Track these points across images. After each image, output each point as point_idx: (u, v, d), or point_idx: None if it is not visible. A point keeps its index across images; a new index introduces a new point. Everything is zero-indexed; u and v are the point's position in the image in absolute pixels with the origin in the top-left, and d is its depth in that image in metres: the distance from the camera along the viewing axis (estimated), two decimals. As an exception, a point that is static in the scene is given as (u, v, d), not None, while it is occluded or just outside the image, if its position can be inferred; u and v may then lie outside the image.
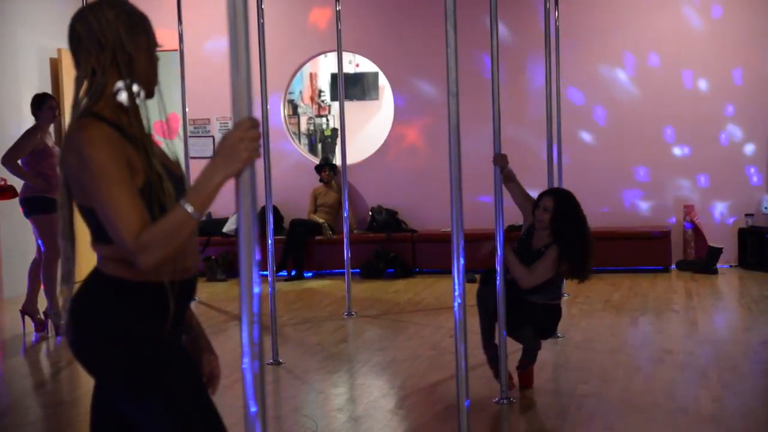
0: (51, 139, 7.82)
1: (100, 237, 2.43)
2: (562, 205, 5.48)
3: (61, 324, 7.62)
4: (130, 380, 2.41)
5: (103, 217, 2.31)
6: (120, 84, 2.42)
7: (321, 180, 11.11)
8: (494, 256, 5.34)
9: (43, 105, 7.71)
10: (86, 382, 6.11)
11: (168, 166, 2.50)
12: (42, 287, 7.69)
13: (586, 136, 10.59)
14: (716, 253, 9.87)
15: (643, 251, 10.13)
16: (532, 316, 5.47)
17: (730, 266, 10.18)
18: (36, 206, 7.55)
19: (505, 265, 5.35)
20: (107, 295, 2.43)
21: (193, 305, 8.25)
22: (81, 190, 2.39)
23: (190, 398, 2.46)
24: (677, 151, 10.45)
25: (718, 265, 9.94)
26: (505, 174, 5.46)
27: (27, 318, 7.76)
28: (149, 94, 2.49)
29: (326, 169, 11.07)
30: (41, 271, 7.65)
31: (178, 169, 2.56)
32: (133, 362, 2.41)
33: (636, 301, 8.42)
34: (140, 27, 2.44)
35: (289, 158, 11.32)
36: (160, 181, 2.40)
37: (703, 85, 10.34)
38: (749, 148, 10.28)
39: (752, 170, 10.29)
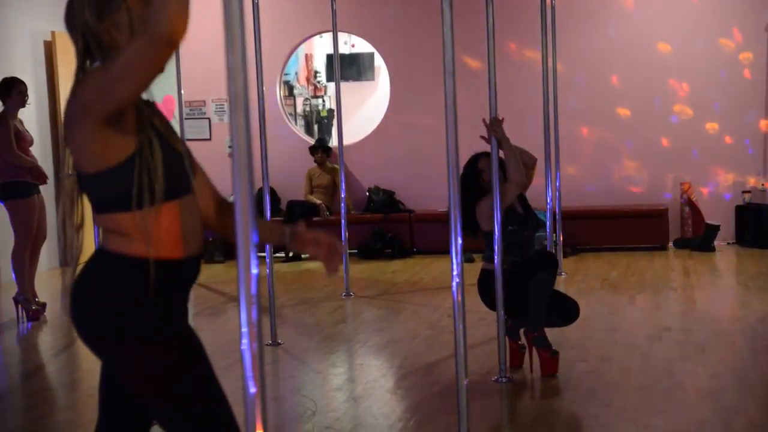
0: (21, 125, 7.71)
1: (102, 207, 2.43)
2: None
3: (31, 309, 7.62)
4: (137, 360, 2.41)
5: (119, 70, 2.25)
6: (96, 63, 2.42)
7: (315, 161, 11.10)
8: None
9: (12, 89, 7.57)
10: (86, 364, 6.12)
11: (168, 139, 2.48)
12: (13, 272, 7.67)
13: (578, 112, 10.57)
14: (713, 230, 9.89)
15: (640, 229, 10.14)
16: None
17: (728, 243, 10.20)
18: (10, 191, 7.49)
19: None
20: (112, 272, 2.43)
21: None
22: (76, 151, 2.39)
23: (196, 377, 2.47)
24: (671, 128, 10.45)
25: (716, 243, 9.96)
26: (499, 139, 5.31)
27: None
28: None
29: (319, 150, 11.06)
30: (12, 257, 7.62)
31: (181, 146, 2.55)
32: (140, 341, 2.41)
33: (633, 280, 8.43)
34: (116, 3, 2.42)
35: (286, 140, 11.30)
36: (150, 147, 2.39)
37: (693, 56, 10.32)
38: (746, 123, 10.27)
39: (748, 143, 10.28)
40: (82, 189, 2.48)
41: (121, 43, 2.41)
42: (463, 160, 4.67)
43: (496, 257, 5.25)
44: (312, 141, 11.61)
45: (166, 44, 2.19)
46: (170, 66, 9.40)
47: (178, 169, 2.45)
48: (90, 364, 6.43)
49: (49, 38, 10.46)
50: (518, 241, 5.48)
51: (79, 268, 2.50)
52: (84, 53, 2.44)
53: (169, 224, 2.43)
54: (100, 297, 2.42)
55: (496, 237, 5.21)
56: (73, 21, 2.44)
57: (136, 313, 2.41)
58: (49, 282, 9.53)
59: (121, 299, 2.41)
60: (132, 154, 2.37)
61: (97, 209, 2.46)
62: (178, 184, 2.45)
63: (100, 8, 2.41)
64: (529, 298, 5.32)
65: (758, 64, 10.19)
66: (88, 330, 2.46)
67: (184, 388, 2.44)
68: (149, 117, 2.46)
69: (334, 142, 11.63)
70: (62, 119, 2.41)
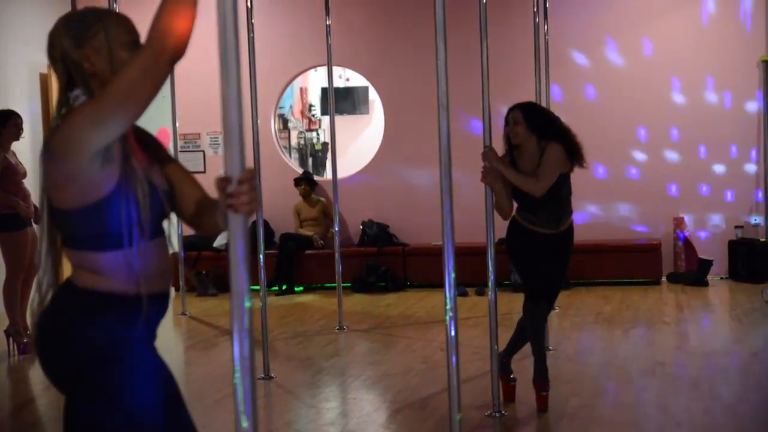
0: (15, 157, 7.71)
1: (71, 242, 2.40)
2: (529, 110, 5.46)
3: (23, 342, 7.58)
4: (93, 395, 2.38)
5: (106, 98, 2.24)
6: (77, 91, 2.42)
7: (300, 194, 11.10)
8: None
9: (8, 122, 7.58)
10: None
11: (150, 178, 2.45)
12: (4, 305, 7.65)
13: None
14: (707, 265, 9.90)
15: (633, 264, 10.15)
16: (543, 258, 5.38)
17: (721, 278, 10.21)
18: (3, 224, 7.45)
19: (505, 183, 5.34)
20: (78, 307, 2.39)
21: (184, 320, 8.22)
22: (56, 187, 2.36)
23: (152, 417, 2.42)
24: (666, 162, 10.49)
25: (709, 277, 9.97)
26: (493, 169, 5.30)
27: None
28: None
29: (303, 182, 11.07)
30: (3, 289, 7.60)
31: (164, 184, 2.51)
32: (101, 377, 2.37)
33: (627, 314, 8.43)
34: (93, 29, 2.41)
35: (280, 173, 11.31)
36: (134, 177, 2.37)
37: (686, 93, 10.38)
38: (738, 158, 10.32)
39: (742, 180, 10.32)
40: (55, 224, 2.43)
41: (101, 69, 2.40)
42: (457, 193, 4.66)
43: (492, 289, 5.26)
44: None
45: (170, 60, 2.20)
46: (165, 99, 9.46)
47: (155, 211, 2.43)
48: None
49: (45, 70, 10.50)
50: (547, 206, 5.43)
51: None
52: (66, 85, 2.43)
53: (147, 261, 2.40)
54: (67, 334, 2.38)
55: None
56: (53, 53, 2.44)
57: (101, 348, 2.37)
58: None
59: (87, 334, 2.37)
60: (111, 192, 2.34)
61: (69, 245, 2.42)
62: (154, 225, 2.44)
63: (77, 36, 2.41)
64: (531, 338, 5.44)
65: (749, 100, 10.25)
66: (51, 364, 2.43)
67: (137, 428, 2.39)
68: (129, 144, 2.43)
69: (328, 175, 11.67)
70: (40, 155, 2.37)
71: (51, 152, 2.32)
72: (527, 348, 5.65)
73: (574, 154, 5.38)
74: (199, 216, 2.56)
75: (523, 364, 6.42)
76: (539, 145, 5.36)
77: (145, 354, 2.46)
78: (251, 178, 2.01)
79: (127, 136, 2.42)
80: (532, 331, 5.44)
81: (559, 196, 5.37)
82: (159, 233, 2.48)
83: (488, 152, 5.28)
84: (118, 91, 2.22)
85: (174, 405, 2.51)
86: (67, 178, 2.32)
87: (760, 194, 10.25)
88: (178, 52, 2.21)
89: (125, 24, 2.46)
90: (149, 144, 2.56)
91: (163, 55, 2.19)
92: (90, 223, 2.35)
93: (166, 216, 2.52)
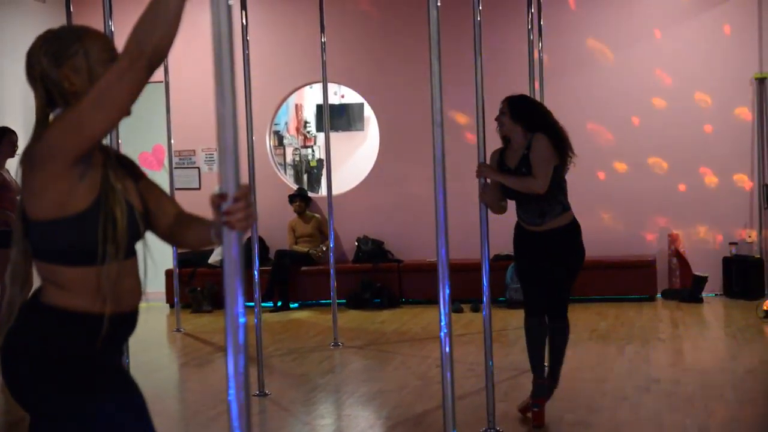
0: (9, 174, 7.70)
1: (42, 255, 2.38)
2: (516, 101, 5.47)
3: None
4: (55, 416, 2.36)
5: (91, 101, 2.24)
6: (57, 110, 2.42)
7: (294, 211, 11.11)
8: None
9: (3, 139, 7.58)
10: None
11: (129, 198, 2.44)
12: None
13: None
14: (701, 281, 9.91)
15: (628, 280, 10.16)
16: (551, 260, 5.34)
17: (715, 295, 10.22)
18: None
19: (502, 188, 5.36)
20: (41, 325, 2.37)
21: (178, 337, 8.20)
22: (33, 196, 2.34)
23: None
24: (660, 178, 10.51)
25: (704, 294, 9.97)
26: (494, 179, 5.35)
27: None
28: None
29: (297, 199, 11.08)
30: None
31: (139, 205, 2.50)
32: (64, 397, 2.35)
33: (622, 330, 8.43)
34: (72, 48, 2.41)
35: (275, 189, 11.32)
36: (113, 194, 2.36)
37: (678, 105, 10.42)
38: (733, 175, 10.35)
39: (736, 197, 10.34)
40: (27, 235, 2.41)
41: (81, 87, 2.39)
42: (451, 210, 4.67)
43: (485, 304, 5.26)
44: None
45: (147, 66, 2.20)
46: (160, 115, 9.46)
47: (130, 231, 2.42)
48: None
49: (40, 87, 10.50)
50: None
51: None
52: (45, 104, 2.42)
53: (117, 281, 2.38)
54: (32, 353, 2.36)
55: None
56: (32, 72, 2.44)
57: (64, 366, 2.35)
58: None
59: (54, 356, 2.35)
60: (89, 207, 2.33)
61: (40, 257, 2.40)
62: (128, 246, 2.43)
63: (57, 55, 2.41)
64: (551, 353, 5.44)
65: (742, 117, 10.29)
66: (17, 387, 2.40)
67: None
68: (110, 162, 2.43)
69: (323, 191, 11.67)
70: (19, 163, 2.37)
71: (31, 159, 2.32)
72: (524, 364, 5.65)
73: (559, 145, 5.32)
74: (179, 232, 2.54)
75: (519, 380, 6.42)
76: (525, 137, 5.38)
77: (108, 373, 2.44)
78: (247, 194, 2.00)
79: (109, 154, 2.43)
80: (527, 345, 5.46)
81: None
82: (132, 254, 2.47)
83: (482, 168, 5.30)
84: (96, 96, 2.22)
85: (139, 423, 2.47)
86: (44, 187, 2.30)
87: (755, 211, 10.28)
88: (155, 58, 2.20)
89: (104, 41, 2.46)
90: (126, 164, 2.56)
91: (140, 61, 2.19)
92: (64, 237, 2.33)
93: (141, 237, 2.51)
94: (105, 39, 2.48)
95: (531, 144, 5.32)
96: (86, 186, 2.33)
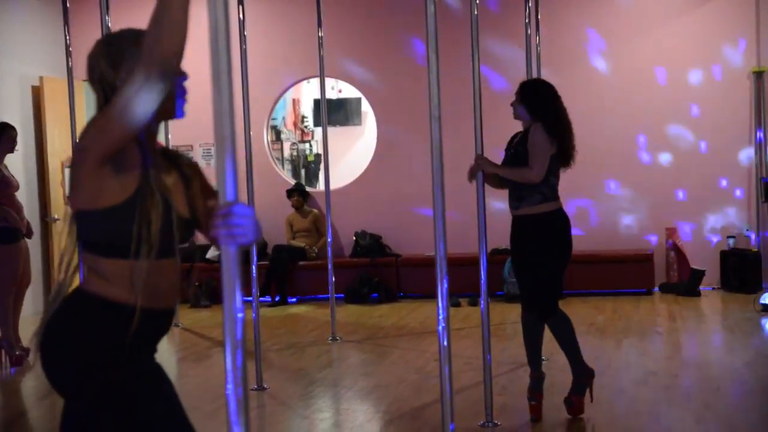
0: (7, 170, 7.68)
1: (86, 245, 2.48)
2: (525, 84, 5.48)
3: (14, 354, 7.56)
4: (88, 399, 2.44)
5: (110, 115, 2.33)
6: None
7: (292, 206, 11.11)
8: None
9: (3, 135, 7.60)
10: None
11: (170, 200, 2.49)
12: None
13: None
14: (699, 275, 9.92)
15: (626, 274, 10.17)
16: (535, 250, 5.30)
17: (713, 288, 10.23)
18: None
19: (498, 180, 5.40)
20: (81, 311, 2.47)
21: (176, 332, 8.19)
22: (72, 186, 2.44)
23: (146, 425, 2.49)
24: (659, 172, 10.52)
25: (701, 288, 9.99)
26: (489, 172, 5.38)
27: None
28: (159, 117, 2.52)
29: (296, 194, 11.09)
30: None
31: (186, 211, 2.56)
32: (96, 382, 2.43)
33: (620, 324, 8.44)
34: (129, 51, 2.47)
35: (273, 184, 11.32)
36: (151, 197, 2.42)
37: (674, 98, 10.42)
38: (731, 169, 10.36)
39: (736, 192, 10.35)
40: (74, 224, 2.52)
41: None
42: (449, 203, 4.66)
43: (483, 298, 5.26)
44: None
45: (161, 73, 2.23)
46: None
47: (167, 233, 2.47)
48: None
49: (37, 83, 10.49)
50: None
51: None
52: (104, 104, 2.48)
53: (152, 278, 2.45)
54: (69, 336, 2.45)
55: None
56: (92, 75, 2.52)
57: (99, 357, 2.43)
58: (33, 327, 9.46)
59: (91, 342, 2.44)
60: (124, 203, 2.40)
61: (83, 246, 2.51)
62: (165, 247, 2.48)
63: (113, 58, 2.48)
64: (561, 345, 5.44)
65: (743, 108, 10.29)
66: (52, 370, 2.48)
67: None
68: (162, 168, 2.51)
69: (321, 186, 11.67)
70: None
71: (72, 154, 2.47)
72: (522, 358, 5.65)
73: (558, 134, 5.30)
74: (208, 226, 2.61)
75: (517, 373, 6.43)
76: (528, 121, 5.40)
77: (140, 364, 2.52)
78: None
79: (152, 155, 2.48)
80: (523, 339, 5.47)
81: None
82: (169, 254, 2.51)
83: (479, 160, 5.33)
84: (120, 104, 2.30)
85: (169, 409, 2.55)
86: (79, 180, 2.41)
87: (752, 205, 10.28)
88: (168, 64, 2.24)
89: None
90: (183, 165, 2.63)
91: (152, 70, 2.23)
92: (99, 228, 2.43)
93: (183, 241, 2.57)
94: None
95: (529, 132, 5.33)
96: (119, 183, 2.40)
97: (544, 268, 5.26)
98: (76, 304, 2.49)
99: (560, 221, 5.32)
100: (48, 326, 2.49)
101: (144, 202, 2.41)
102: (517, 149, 5.38)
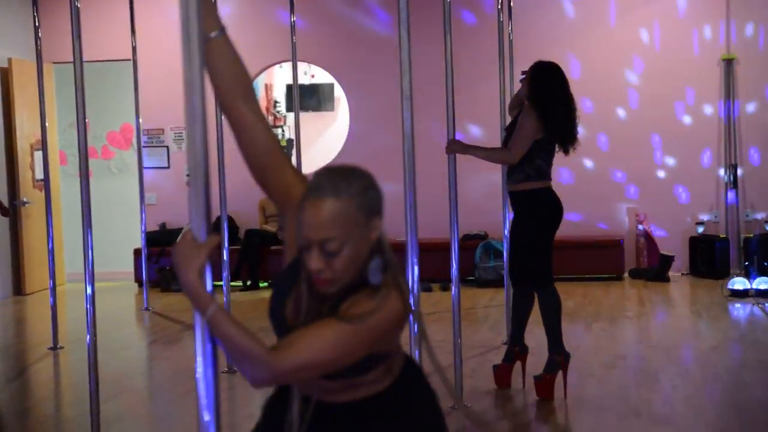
0: None
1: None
2: (537, 69, 5.51)
3: None
4: None
5: None
6: None
7: None
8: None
9: None
10: (38, 392, 6.03)
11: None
12: None
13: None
14: (668, 261, 10.01)
15: (596, 260, 10.24)
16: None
17: (682, 274, 10.32)
18: None
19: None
20: None
21: (147, 315, 8.08)
22: None
23: None
24: (628, 158, 10.59)
25: (670, 273, 10.08)
26: (462, 153, 5.47)
27: None
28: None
29: None
30: None
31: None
32: None
33: (590, 309, 8.50)
34: None
35: (245, 168, 11.25)
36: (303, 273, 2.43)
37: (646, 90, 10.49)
38: (700, 155, 10.44)
39: (703, 177, 10.44)
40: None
41: None
42: (421, 189, 4.67)
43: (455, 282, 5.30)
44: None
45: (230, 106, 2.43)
46: (128, 94, 9.36)
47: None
48: (41, 392, 6.33)
49: (6, 65, 10.38)
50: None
51: None
52: None
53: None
54: None
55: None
56: None
57: None
58: (1, 311, 9.40)
59: None
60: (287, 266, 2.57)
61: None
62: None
63: None
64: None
65: (710, 98, 10.37)
66: None
67: None
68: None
69: (292, 170, 11.62)
70: None
71: None
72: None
73: (550, 121, 5.35)
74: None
75: (487, 357, 6.47)
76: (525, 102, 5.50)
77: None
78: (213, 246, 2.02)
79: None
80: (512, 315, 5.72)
81: None
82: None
83: (452, 144, 5.38)
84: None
85: None
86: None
87: (721, 190, 10.38)
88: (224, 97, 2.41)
89: None
90: None
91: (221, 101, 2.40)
92: None
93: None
94: None
95: (520, 114, 5.41)
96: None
97: (524, 239, 5.52)
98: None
99: (542, 198, 5.48)
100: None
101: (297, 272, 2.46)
102: (509, 130, 5.55)
